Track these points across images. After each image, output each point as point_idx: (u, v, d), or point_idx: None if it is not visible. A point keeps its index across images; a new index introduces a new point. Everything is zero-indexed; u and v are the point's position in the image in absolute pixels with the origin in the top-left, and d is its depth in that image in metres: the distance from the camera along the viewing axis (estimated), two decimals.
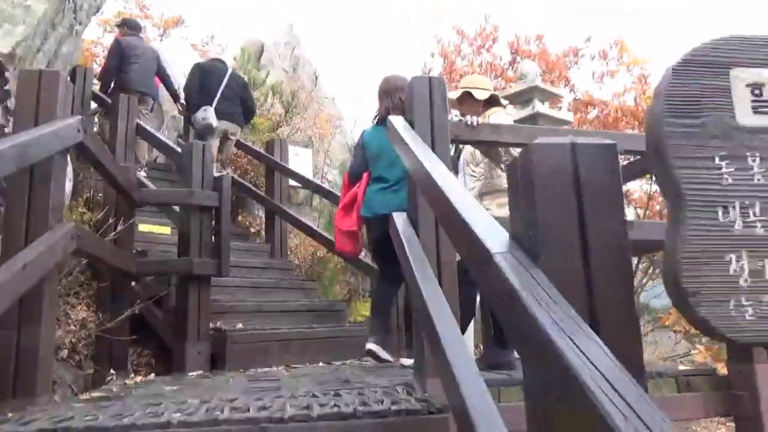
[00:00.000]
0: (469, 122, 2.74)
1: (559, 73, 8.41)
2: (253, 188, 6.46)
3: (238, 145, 6.79)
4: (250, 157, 6.95)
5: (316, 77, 11.14)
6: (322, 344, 4.32)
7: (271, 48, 10.95)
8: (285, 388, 2.63)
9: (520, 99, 6.79)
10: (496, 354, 3.15)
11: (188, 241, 3.89)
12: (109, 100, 5.55)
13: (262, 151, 6.47)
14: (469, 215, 1.36)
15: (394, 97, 3.75)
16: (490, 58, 9.68)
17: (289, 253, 6.29)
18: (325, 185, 9.23)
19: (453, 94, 3.47)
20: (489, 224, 1.31)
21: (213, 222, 4.07)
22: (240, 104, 6.22)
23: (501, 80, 8.75)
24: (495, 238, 1.18)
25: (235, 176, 6.75)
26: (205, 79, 6.04)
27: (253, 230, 7.12)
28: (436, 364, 2.23)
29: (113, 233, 3.49)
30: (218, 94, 5.93)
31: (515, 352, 3.29)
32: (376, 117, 3.91)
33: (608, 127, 8.54)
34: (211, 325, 4.00)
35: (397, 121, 2.79)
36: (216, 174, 4.31)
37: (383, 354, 3.43)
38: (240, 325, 4.21)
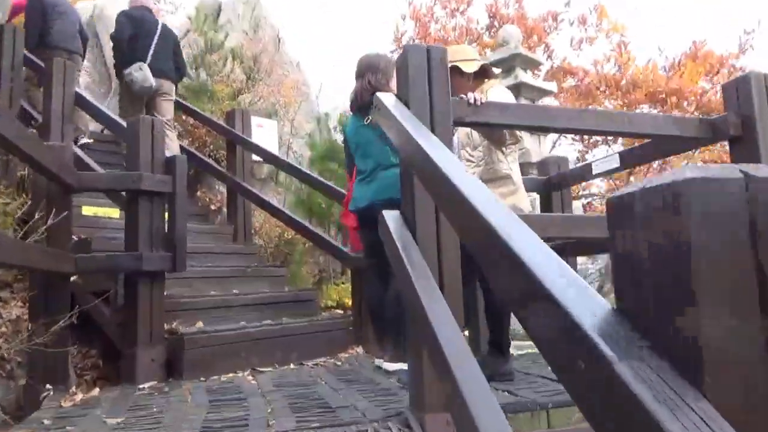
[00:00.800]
0: (472, 101, 2.29)
1: (538, 38, 7.97)
2: (213, 163, 5.89)
3: (195, 115, 6.17)
4: (209, 128, 6.34)
5: (279, 40, 10.42)
6: (292, 341, 3.90)
7: (229, 7, 10.15)
8: (253, 419, 2.20)
9: (501, 67, 6.34)
10: (496, 362, 2.79)
11: (137, 231, 3.36)
12: (42, 64, 4.84)
13: (222, 122, 5.87)
14: (516, 244, 0.94)
15: (365, 78, 3.32)
16: (464, 22, 9.16)
17: (253, 233, 5.79)
18: (291, 158, 8.71)
19: None
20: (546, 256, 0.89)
21: (166, 208, 3.54)
22: (173, 60, 5.74)
23: (477, 46, 8.26)
24: (585, 307, 0.75)
25: (192, 150, 6.17)
26: (137, 29, 5.44)
27: (213, 207, 6.56)
28: (443, 399, 1.91)
29: (43, 227, 2.94)
30: (152, 49, 5.42)
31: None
32: (351, 103, 3.45)
33: (587, 97, 8.21)
34: (166, 327, 3.51)
35: (387, 99, 2.32)
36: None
37: (393, 366, 3.22)
38: (200, 325, 3.73)
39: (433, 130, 2.16)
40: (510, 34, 6.37)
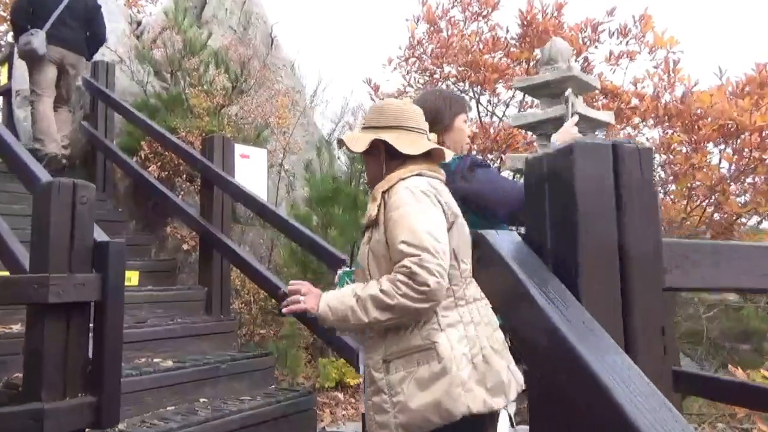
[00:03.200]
0: None
1: (576, 52, 6.77)
2: (182, 204, 4.60)
3: (161, 140, 4.89)
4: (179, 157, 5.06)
5: (273, 39, 9.11)
6: None
7: (214, 0, 8.83)
8: None
9: (546, 92, 5.13)
10: None
11: (40, 367, 2.11)
12: None
13: (196, 152, 4.57)
14: None
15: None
16: (487, 29, 7.92)
17: (233, 297, 4.53)
18: (283, 177, 7.44)
19: (404, 142, 1.68)
20: None
21: (91, 327, 2.28)
22: (85, 31, 5.35)
23: (506, 59, 7.04)
24: None
25: (151, 180, 4.88)
26: None
27: (186, 248, 5.27)
28: None
29: None
30: (53, 17, 5.04)
31: None
32: None
33: (616, 122, 7.01)
34: None
35: (505, 241, 1.11)
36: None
37: None
38: None
39: (627, 311, 0.97)
40: (559, 50, 5.14)
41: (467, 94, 8.30)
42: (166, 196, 4.61)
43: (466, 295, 1.60)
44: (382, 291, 1.49)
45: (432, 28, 8.18)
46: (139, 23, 8.76)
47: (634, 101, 7.38)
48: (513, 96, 8.42)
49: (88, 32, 5.40)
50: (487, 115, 8.72)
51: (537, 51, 7.31)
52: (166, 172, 5.42)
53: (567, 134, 2.12)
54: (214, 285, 4.22)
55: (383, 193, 1.62)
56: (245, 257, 4.02)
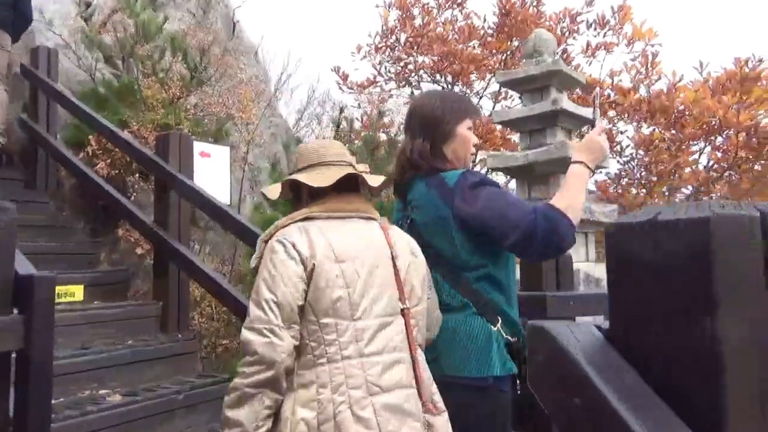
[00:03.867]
0: None
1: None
2: (133, 208, 4.14)
3: (111, 137, 4.40)
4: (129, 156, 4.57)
5: (235, 24, 8.56)
6: None
7: None
8: None
9: (530, 86, 4.84)
10: None
11: None
12: None
13: (149, 152, 4.10)
14: None
15: (415, 141, 1.87)
16: (461, 18, 7.58)
17: (192, 313, 4.11)
18: (246, 172, 6.98)
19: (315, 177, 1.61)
20: None
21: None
22: (11, 8, 4.81)
23: (483, 49, 6.71)
24: None
25: (98, 180, 4.40)
26: None
27: (140, 252, 4.81)
28: None
29: None
30: None
31: None
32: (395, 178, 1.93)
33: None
34: None
35: (568, 336, 0.76)
36: None
37: None
38: None
39: None
40: (544, 43, 4.85)
41: (440, 85, 7.99)
42: (115, 198, 4.14)
43: (329, 352, 1.44)
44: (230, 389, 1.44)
45: (404, 15, 7.80)
46: (88, 4, 8.10)
47: (609, 93, 7.19)
48: (486, 87, 8.15)
49: (14, 10, 4.85)
50: None
51: (515, 41, 7.03)
52: (117, 170, 4.91)
53: (593, 143, 1.79)
54: (170, 299, 3.80)
55: (264, 243, 1.55)
56: (206, 270, 3.61)
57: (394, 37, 7.17)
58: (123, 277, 4.25)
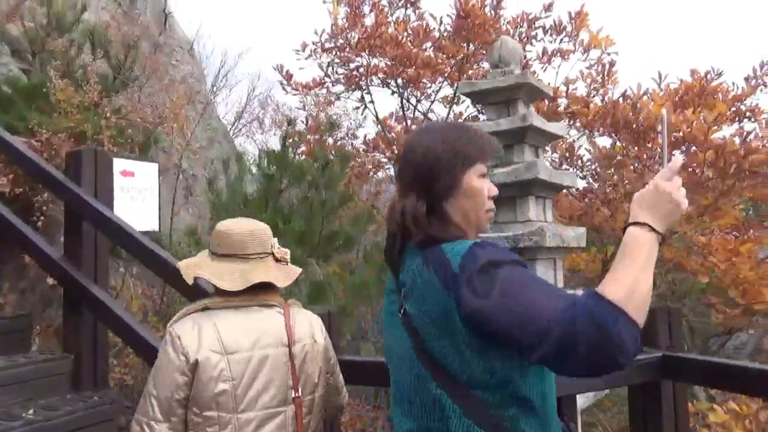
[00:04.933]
0: None
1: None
2: (37, 240, 3.44)
3: (7, 150, 3.68)
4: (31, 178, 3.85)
5: (167, 16, 7.78)
6: None
7: None
8: None
9: (496, 99, 4.46)
10: None
11: None
12: None
13: (55, 172, 3.41)
14: None
15: (408, 199, 1.34)
16: (414, 17, 7.15)
17: (111, 362, 3.47)
18: (181, 180, 6.31)
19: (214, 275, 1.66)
20: None
21: None
22: None
23: (441, 54, 6.30)
24: None
25: None
26: None
27: (51, 282, 4.10)
28: None
29: None
30: None
31: None
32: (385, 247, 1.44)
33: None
34: None
35: None
36: None
37: None
38: None
39: None
40: (510, 52, 4.47)
41: (392, 90, 7.54)
42: (13, 226, 3.44)
43: None
44: None
45: (354, 13, 7.29)
46: None
47: (562, 101, 6.95)
48: (438, 91, 7.77)
49: None
50: (409, 110, 8.01)
51: (472, 45, 6.67)
52: (22, 188, 4.18)
53: (662, 193, 1.24)
54: (84, 351, 3.16)
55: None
56: (125, 319, 2.99)
57: (343, 36, 6.64)
58: (24, 324, 3.55)
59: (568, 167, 5.81)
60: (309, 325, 1.67)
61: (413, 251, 1.30)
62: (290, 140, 3.88)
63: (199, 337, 1.51)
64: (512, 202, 4.36)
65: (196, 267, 1.65)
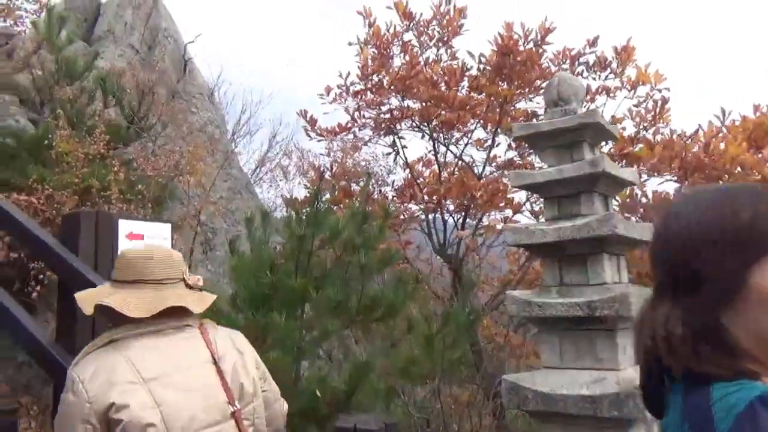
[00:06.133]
0: None
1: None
2: (23, 321, 2.87)
3: None
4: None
5: (186, 62, 7.42)
6: None
7: (112, 7, 7.09)
8: None
9: (555, 142, 3.88)
10: None
11: None
12: None
13: (47, 238, 2.86)
14: None
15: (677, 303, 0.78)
16: (446, 57, 6.69)
17: None
18: (199, 230, 5.78)
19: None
20: None
21: None
22: None
23: (481, 95, 5.78)
24: None
25: None
26: None
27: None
28: None
29: None
30: None
31: None
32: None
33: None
34: None
35: None
36: None
37: None
38: None
39: None
40: (571, 88, 3.91)
41: (425, 134, 7.03)
42: None
43: None
44: None
45: (381, 53, 6.85)
46: (9, 37, 6.88)
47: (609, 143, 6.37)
48: (472, 133, 7.23)
49: None
50: (440, 154, 7.46)
51: (512, 85, 6.16)
52: (17, 253, 3.65)
53: None
54: None
55: None
56: None
57: (375, 77, 6.16)
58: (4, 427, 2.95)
59: (629, 216, 5.19)
60: (230, 339, 1.61)
61: (676, 387, 0.82)
62: (322, 194, 3.32)
63: (108, 375, 1.37)
64: (582, 261, 3.72)
65: (97, 295, 1.52)
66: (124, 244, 3.21)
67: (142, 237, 3.34)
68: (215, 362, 1.50)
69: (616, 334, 3.49)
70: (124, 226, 3.24)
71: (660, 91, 6.53)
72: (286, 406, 1.75)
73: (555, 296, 3.68)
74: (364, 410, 3.04)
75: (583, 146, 3.82)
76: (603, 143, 5.52)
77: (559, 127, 3.76)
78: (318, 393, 3.04)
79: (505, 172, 6.11)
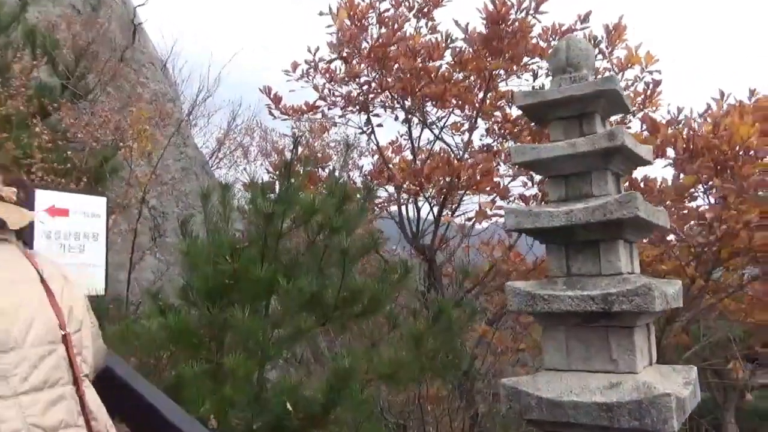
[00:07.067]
0: None
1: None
2: None
3: None
4: None
5: (136, 27, 6.65)
6: None
7: None
8: None
9: (565, 112, 3.39)
10: None
11: None
12: None
13: None
14: None
15: None
16: (427, 30, 6.15)
17: None
18: (145, 215, 5.09)
19: None
20: None
21: None
22: None
23: (457, 69, 5.25)
24: None
25: None
26: None
27: None
28: None
29: None
30: None
31: None
32: None
33: None
34: None
35: None
36: None
37: None
38: None
39: None
40: (581, 53, 3.43)
41: (402, 109, 6.48)
42: None
43: None
44: None
45: (354, 25, 6.26)
46: None
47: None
48: (451, 112, 6.71)
49: None
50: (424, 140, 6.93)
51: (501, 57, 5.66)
52: None
53: None
54: None
55: None
56: None
57: (350, 46, 5.56)
58: None
59: None
60: (55, 267, 1.50)
61: None
62: (296, 165, 2.72)
63: None
64: (593, 248, 3.25)
65: None
66: (44, 220, 2.55)
67: (67, 213, 2.67)
68: (43, 281, 1.40)
69: (634, 332, 3.03)
70: (44, 198, 2.57)
71: (651, 73, 6.18)
72: (105, 349, 1.67)
73: (563, 288, 3.21)
74: (345, 426, 2.49)
75: (594, 118, 3.35)
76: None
77: (572, 95, 3.27)
78: (288, 406, 2.47)
79: (503, 145, 5.60)
